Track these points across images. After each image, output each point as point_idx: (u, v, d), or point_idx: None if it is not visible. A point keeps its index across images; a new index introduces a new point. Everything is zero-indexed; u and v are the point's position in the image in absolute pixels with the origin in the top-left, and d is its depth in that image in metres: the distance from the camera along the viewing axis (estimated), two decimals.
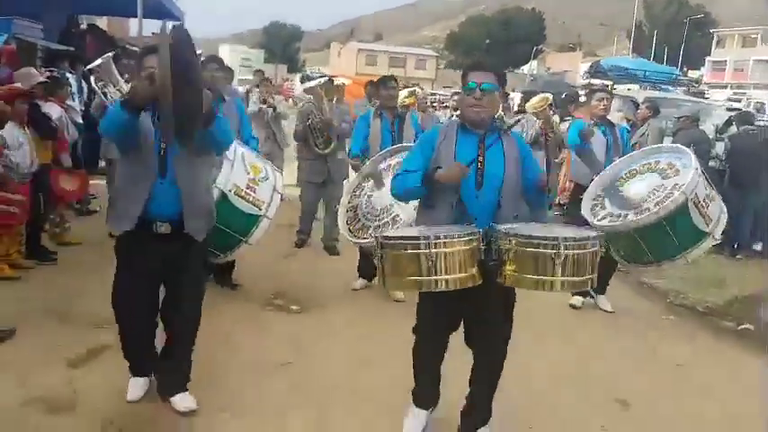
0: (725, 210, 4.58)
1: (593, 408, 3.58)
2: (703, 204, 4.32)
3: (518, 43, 69.71)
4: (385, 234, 2.81)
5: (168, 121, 2.64)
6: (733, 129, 8.46)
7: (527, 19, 78.84)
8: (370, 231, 4.51)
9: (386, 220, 4.57)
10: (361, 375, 3.83)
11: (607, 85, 8.61)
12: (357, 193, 4.94)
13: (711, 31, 61.95)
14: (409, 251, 2.61)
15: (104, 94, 5.64)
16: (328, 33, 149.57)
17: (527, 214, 3.03)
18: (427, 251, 2.57)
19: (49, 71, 6.45)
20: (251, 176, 4.32)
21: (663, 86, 11.95)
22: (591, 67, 12.74)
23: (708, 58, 58.35)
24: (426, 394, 3.20)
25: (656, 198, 4.34)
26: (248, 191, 4.27)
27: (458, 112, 8.21)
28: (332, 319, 4.76)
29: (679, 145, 4.91)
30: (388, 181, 4.45)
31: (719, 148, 8.18)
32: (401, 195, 3.22)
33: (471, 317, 3.02)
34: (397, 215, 4.47)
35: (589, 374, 4.07)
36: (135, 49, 13.42)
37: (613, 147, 5.25)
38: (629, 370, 4.25)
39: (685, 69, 57.22)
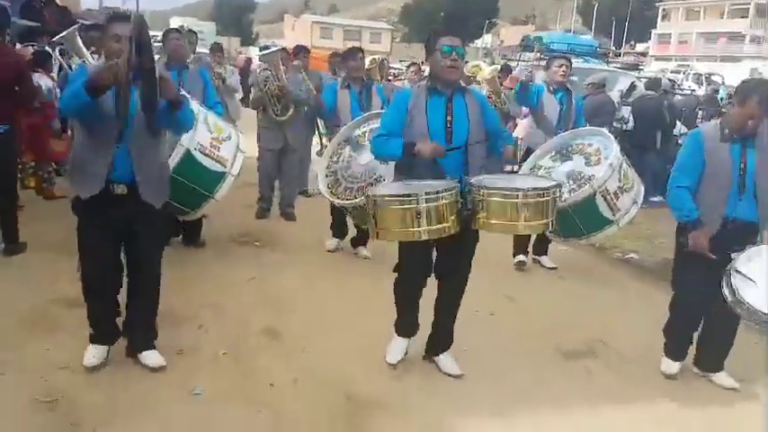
0: (639, 200, 5.01)
1: (486, 300, 4.55)
2: (613, 197, 4.76)
3: (472, 16, 70.40)
4: (378, 192, 3.11)
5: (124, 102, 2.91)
6: (636, 94, 9.54)
7: None
8: (354, 192, 4.76)
9: (369, 180, 4.79)
10: (316, 283, 4.83)
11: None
12: (335, 159, 5.12)
13: (657, 4, 63.67)
14: (401, 206, 2.94)
15: (69, 66, 6.14)
16: (282, 4, 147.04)
17: (490, 164, 3.36)
18: (416, 206, 2.90)
19: (31, 45, 7.11)
20: (214, 135, 4.54)
21: (585, 57, 13.26)
22: (522, 41, 13.87)
23: (653, 31, 60.19)
24: (407, 324, 3.56)
25: (570, 185, 4.81)
26: (212, 149, 4.51)
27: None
28: (291, 250, 5.62)
29: (610, 135, 5.26)
30: (366, 145, 4.82)
31: (625, 111, 9.16)
32: (382, 157, 3.51)
33: (443, 256, 3.37)
34: (381, 176, 4.70)
35: (486, 280, 4.81)
36: (88, 22, 13.67)
37: (567, 114, 5.48)
38: (519, 279, 5.32)
39: (633, 42, 58.24)
